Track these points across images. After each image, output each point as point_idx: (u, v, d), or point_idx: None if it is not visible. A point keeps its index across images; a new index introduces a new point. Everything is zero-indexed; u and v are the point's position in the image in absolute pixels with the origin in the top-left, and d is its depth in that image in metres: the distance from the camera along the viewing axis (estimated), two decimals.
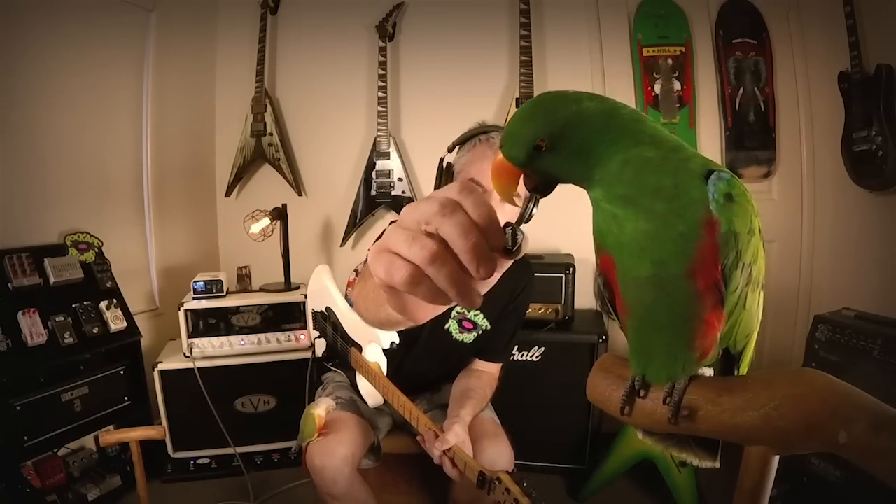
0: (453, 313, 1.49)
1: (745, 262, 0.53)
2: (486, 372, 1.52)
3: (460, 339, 1.50)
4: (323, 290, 1.61)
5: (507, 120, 2.47)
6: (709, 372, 0.62)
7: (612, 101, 0.54)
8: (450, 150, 1.35)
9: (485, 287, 0.44)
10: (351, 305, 1.52)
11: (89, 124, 2.19)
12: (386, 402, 1.43)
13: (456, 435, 1.24)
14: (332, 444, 1.31)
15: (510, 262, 0.46)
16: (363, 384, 1.46)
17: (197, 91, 2.76)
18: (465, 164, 1.30)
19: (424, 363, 1.51)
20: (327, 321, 1.58)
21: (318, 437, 1.34)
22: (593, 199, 0.56)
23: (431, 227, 0.41)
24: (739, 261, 0.53)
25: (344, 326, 1.51)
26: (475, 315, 1.49)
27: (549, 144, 0.52)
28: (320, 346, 1.64)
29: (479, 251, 0.40)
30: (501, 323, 1.50)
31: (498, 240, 0.42)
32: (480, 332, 1.50)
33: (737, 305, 0.55)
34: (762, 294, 0.59)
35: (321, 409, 1.36)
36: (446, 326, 1.49)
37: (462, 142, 1.33)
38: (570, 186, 0.58)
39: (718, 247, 0.51)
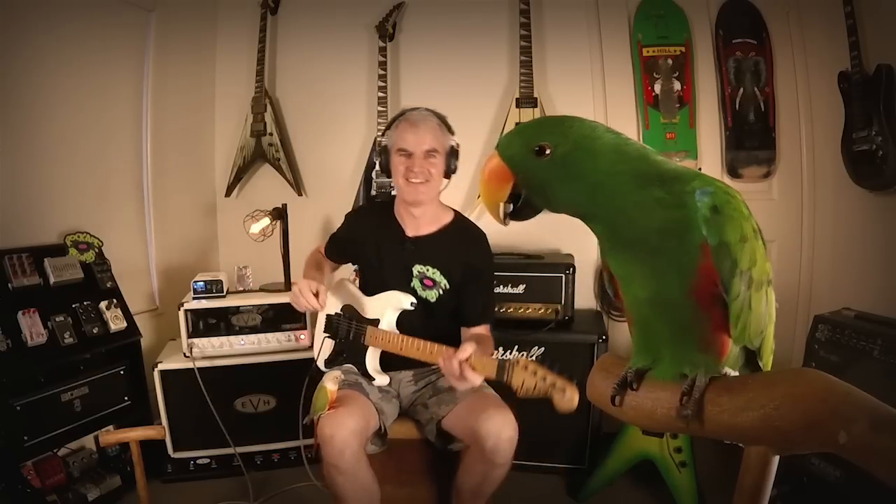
0: (416, 272, 1.65)
1: (742, 269, 0.53)
2: (480, 333, 1.64)
3: (425, 296, 1.65)
4: (339, 288, 1.76)
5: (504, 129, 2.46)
6: (734, 373, 0.62)
7: (623, 137, 0.54)
8: (382, 134, 1.65)
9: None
10: (363, 287, 1.72)
11: (89, 124, 2.19)
12: (395, 376, 1.64)
13: (470, 347, 1.39)
14: (343, 416, 1.37)
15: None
16: (371, 362, 1.60)
17: (197, 91, 2.75)
18: (394, 140, 1.61)
19: (413, 327, 1.60)
20: (342, 319, 1.68)
21: (329, 410, 1.39)
22: (594, 231, 0.56)
23: None
24: (736, 268, 0.53)
25: (361, 310, 1.66)
26: (433, 273, 1.65)
27: (554, 154, 0.51)
28: (327, 348, 1.68)
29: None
30: (467, 287, 1.65)
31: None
32: (442, 291, 1.65)
33: (742, 310, 0.55)
34: (769, 291, 0.59)
35: (331, 382, 1.42)
36: (411, 285, 1.65)
37: (388, 126, 1.66)
38: None
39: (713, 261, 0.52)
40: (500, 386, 1.56)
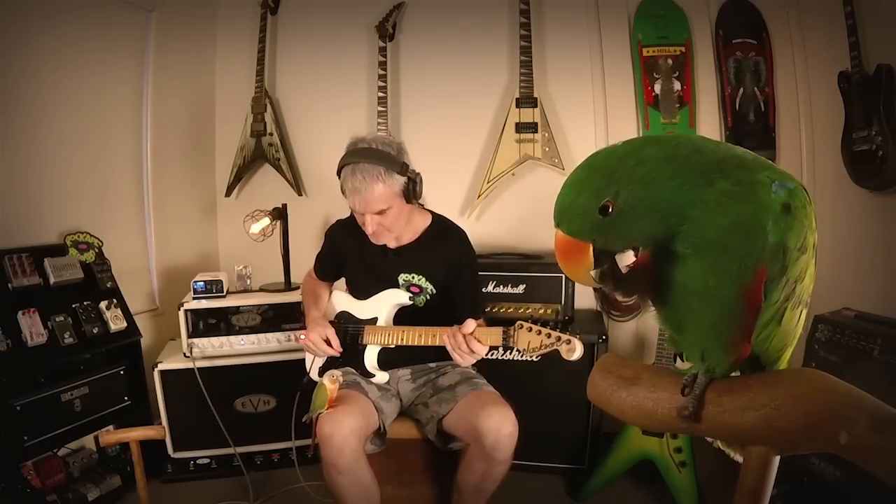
0: (401, 280, 1.66)
1: (789, 278, 0.50)
2: None
3: (413, 303, 1.67)
4: (332, 299, 1.78)
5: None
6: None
7: (666, 138, 0.51)
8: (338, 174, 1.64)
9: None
10: (354, 296, 1.73)
11: (89, 124, 2.18)
12: (394, 374, 1.66)
13: (472, 322, 1.44)
14: (341, 414, 1.38)
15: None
16: (370, 360, 1.62)
17: (197, 91, 2.75)
18: (344, 189, 1.59)
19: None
20: (338, 326, 1.69)
21: (328, 409, 1.40)
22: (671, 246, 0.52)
23: None
24: (784, 275, 0.50)
25: (357, 313, 1.67)
26: (418, 279, 1.66)
27: (617, 205, 0.48)
28: (319, 360, 1.69)
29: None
30: (456, 287, 1.67)
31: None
32: (429, 296, 1.67)
33: (772, 320, 0.53)
34: (803, 313, 0.57)
35: (331, 381, 1.43)
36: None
37: (339, 168, 1.63)
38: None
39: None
40: (500, 385, 1.56)
